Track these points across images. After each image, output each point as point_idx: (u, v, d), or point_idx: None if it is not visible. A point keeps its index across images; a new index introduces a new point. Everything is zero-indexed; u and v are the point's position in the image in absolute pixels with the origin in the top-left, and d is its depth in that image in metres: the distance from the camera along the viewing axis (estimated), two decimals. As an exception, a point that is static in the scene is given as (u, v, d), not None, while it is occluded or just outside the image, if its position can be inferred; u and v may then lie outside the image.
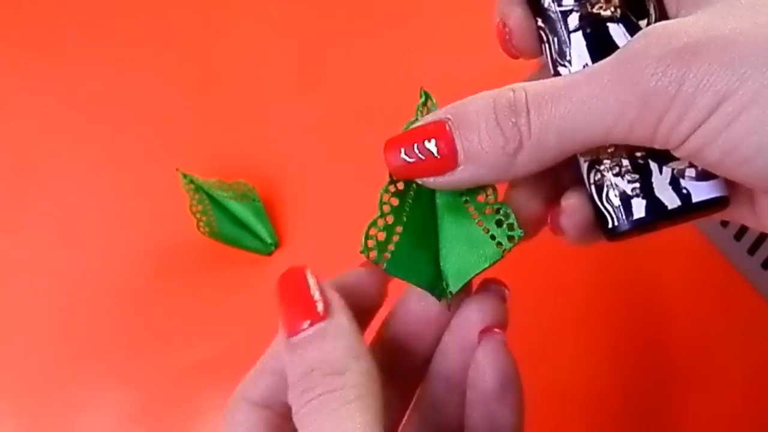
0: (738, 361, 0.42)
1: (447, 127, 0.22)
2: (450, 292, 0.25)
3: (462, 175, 0.22)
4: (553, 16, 0.24)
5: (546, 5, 0.24)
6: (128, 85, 0.57)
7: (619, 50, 0.21)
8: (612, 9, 0.23)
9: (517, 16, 0.25)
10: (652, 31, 0.21)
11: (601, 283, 0.45)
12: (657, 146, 0.21)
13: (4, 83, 0.59)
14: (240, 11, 0.61)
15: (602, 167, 0.24)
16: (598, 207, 0.24)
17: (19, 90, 0.59)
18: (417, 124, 0.23)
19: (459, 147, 0.22)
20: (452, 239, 0.25)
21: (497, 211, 0.24)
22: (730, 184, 0.23)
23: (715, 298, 0.44)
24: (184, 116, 0.55)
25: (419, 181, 0.24)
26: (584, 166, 0.25)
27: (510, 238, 0.24)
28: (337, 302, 0.23)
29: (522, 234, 0.24)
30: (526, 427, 0.25)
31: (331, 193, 0.50)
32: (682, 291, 0.45)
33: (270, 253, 0.48)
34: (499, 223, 0.24)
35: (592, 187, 0.24)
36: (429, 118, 0.23)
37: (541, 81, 0.22)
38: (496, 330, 0.25)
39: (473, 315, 0.25)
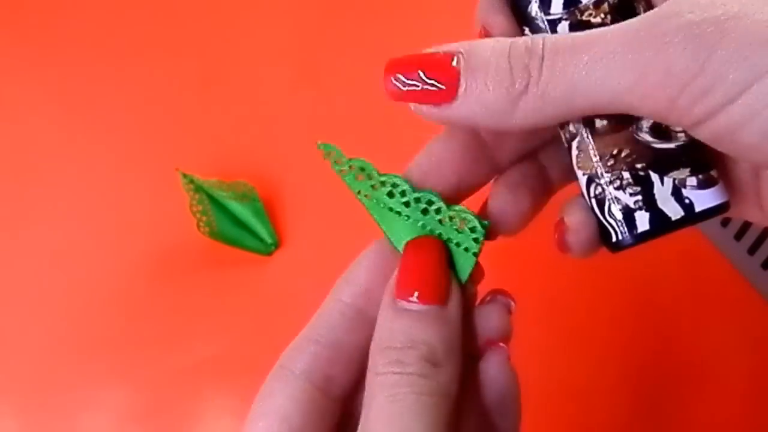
0: (738, 361, 0.42)
1: (455, 60, 0.21)
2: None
3: (458, 110, 0.21)
4: (541, 25, 0.23)
5: (533, 14, 0.23)
6: (128, 85, 0.57)
7: (651, 11, 0.20)
8: (602, 15, 0.23)
9: (502, 26, 0.24)
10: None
11: (600, 283, 0.45)
12: (669, 122, 0.20)
13: (4, 83, 0.59)
14: (240, 11, 0.61)
15: (602, 181, 0.23)
16: (600, 221, 0.24)
17: (19, 90, 0.59)
18: (427, 50, 0.22)
19: (463, 80, 0.21)
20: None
21: (451, 219, 0.24)
22: (732, 180, 0.23)
23: (715, 298, 0.44)
24: (184, 116, 0.55)
25: (412, 107, 0.22)
26: (583, 180, 0.24)
27: (475, 240, 0.23)
28: (455, 293, 0.23)
29: (486, 225, 0.23)
30: (529, 427, 0.25)
31: (331, 193, 0.50)
32: (682, 291, 0.45)
33: (270, 253, 0.48)
34: (459, 230, 0.24)
35: (593, 200, 0.24)
36: (441, 47, 0.22)
37: (562, 34, 0.21)
38: (500, 344, 0.25)
39: (478, 324, 0.25)
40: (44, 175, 0.54)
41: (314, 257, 0.47)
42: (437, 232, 0.24)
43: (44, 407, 0.44)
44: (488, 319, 0.25)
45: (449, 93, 0.21)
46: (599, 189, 0.23)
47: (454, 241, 0.24)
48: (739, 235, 0.42)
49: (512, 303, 0.26)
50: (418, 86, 0.21)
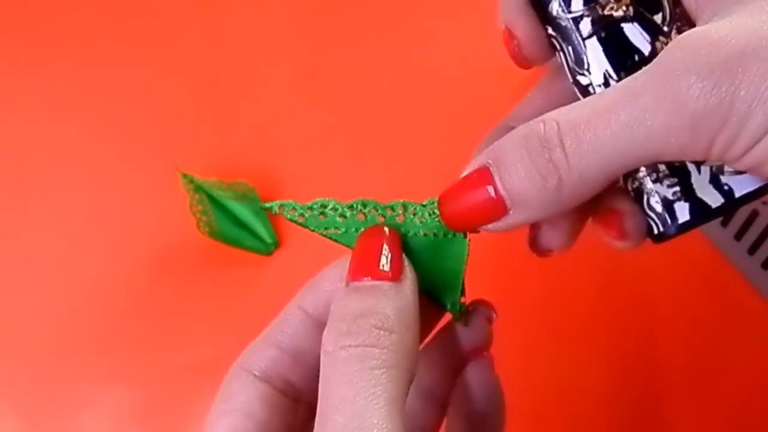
0: (738, 361, 0.42)
1: (489, 174, 0.21)
2: (457, 307, 0.25)
3: (515, 218, 0.21)
4: (564, 23, 0.23)
5: (555, 13, 0.23)
6: (128, 85, 0.57)
7: (654, 62, 0.19)
8: (624, 8, 0.22)
9: (525, 26, 0.24)
10: (687, 40, 0.19)
11: (600, 283, 0.45)
12: (711, 162, 0.20)
13: (4, 83, 0.59)
14: (240, 11, 0.61)
15: (639, 174, 0.23)
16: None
17: (19, 90, 0.59)
18: (463, 173, 0.22)
19: (503, 192, 0.21)
20: (418, 260, 0.24)
21: (433, 212, 0.24)
22: None
23: (715, 298, 0.44)
24: (184, 116, 0.55)
25: (480, 230, 0.23)
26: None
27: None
28: (409, 272, 0.23)
29: (434, 201, 0.24)
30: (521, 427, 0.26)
31: (331, 193, 0.50)
32: (682, 291, 0.45)
33: (270, 253, 0.48)
34: (422, 221, 0.24)
35: (631, 194, 0.24)
36: (472, 164, 0.22)
37: (572, 106, 0.20)
38: (485, 353, 0.26)
39: (460, 334, 0.26)
40: (44, 175, 0.54)
41: (314, 257, 0.46)
42: (398, 228, 0.24)
43: (44, 407, 0.44)
44: (469, 328, 0.26)
45: (501, 207, 0.21)
46: (636, 183, 0.23)
47: (421, 232, 0.24)
48: (739, 235, 0.42)
49: (493, 314, 0.26)
50: (472, 208, 0.22)
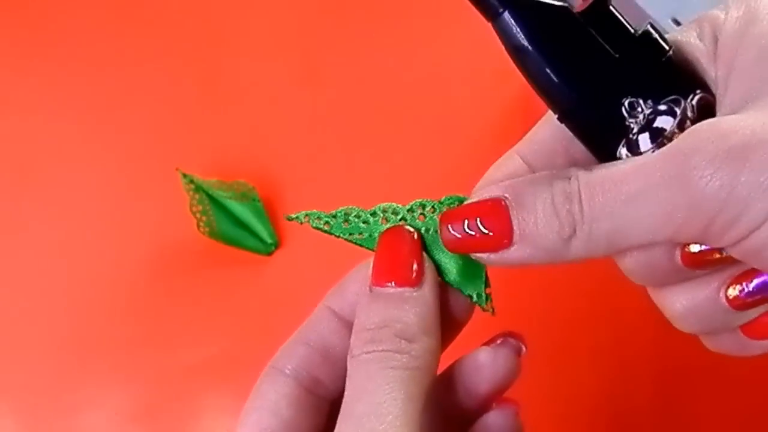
0: (737, 361, 0.42)
1: (503, 205, 0.22)
2: (483, 297, 0.25)
3: (516, 254, 0.22)
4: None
5: (618, 155, 0.22)
6: (128, 85, 0.57)
7: (669, 145, 0.21)
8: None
9: None
10: (701, 129, 0.20)
11: (600, 283, 0.45)
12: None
13: (4, 82, 0.59)
14: (240, 11, 0.61)
15: None
16: None
17: (19, 89, 0.59)
18: (472, 199, 0.23)
19: (516, 227, 0.22)
20: (441, 255, 0.25)
21: (433, 211, 0.25)
22: None
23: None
24: (184, 116, 0.55)
25: (473, 257, 0.24)
26: None
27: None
28: (430, 275, 0.24)
29: (462, 198, 0.24)
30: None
31: (331, 193, 0.50)
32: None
33: (270, 253, 0.48)
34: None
35: None
36: (484, 194, 0.23)
37: (594, 168, 0.22)
38: (512, 402, 0.27)
39: (485, 363, 0.26)
40: (44, 175, 0.54)
41: (314, 257, 0.47)
42: (419, 228, 0.25)
43: (44, 407, 0.44)
44: (496, 359, 0.26)
45: (505, 240, 0.22)
46: None
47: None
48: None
49: (523, 347, 0.27)
50: (474, 234, 0.23)
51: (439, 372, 0.26)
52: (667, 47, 0.22)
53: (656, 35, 0.22)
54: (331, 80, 0.56)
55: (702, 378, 0.42)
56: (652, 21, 0.22)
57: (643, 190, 0.20)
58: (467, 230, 0.23)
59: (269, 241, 0.48)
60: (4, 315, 0.48)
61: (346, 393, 0.22)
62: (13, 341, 0.47)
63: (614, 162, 0.22)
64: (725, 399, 0.41)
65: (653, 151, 0.21)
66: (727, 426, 0.41)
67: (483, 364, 0.26)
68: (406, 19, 0.58)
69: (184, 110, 0.56)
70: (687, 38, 0.23)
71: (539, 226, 0.22)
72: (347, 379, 0.23)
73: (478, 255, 0.23)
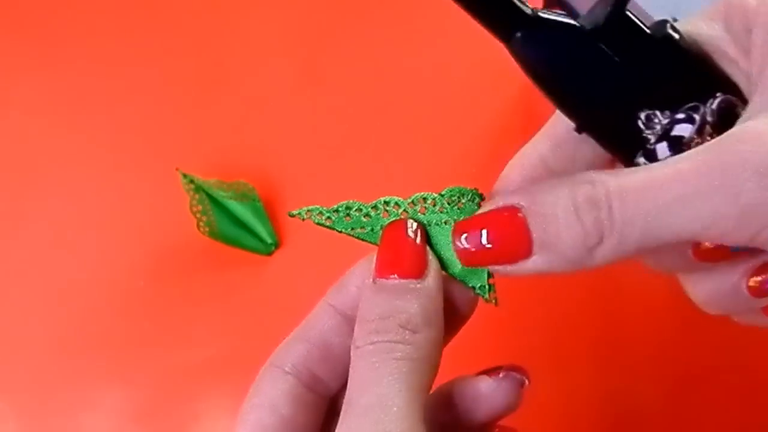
0: (737, 361, 0.42)
1: (520, 215, 0.21)
2: (486, 288, 0.25)
3: (535, 264, 0.21)
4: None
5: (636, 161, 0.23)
6: (128, 85, 0.57)
7: (714, 148, 0.20)
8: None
9: None
10: (744, 134, 0.20)
11: (600, 282, 0.45)
12: (754, 247, 0.21)
13: (4, 82, 0.59)
14: (241, 11, 0.61)
15: None
16: None
17: (18, 89, 0.59)
18: (485, 209, 0.23)
19: (535, 236, 0.21)
20: (444, 248, 0.25)
21: (451, 201, 0.24)
22: None
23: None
24: (184, 116, 0.55)
25: (490, 269, 0.23)
26: None
27: (471, 200, 0.24)
28: (433, 267, 0.24)
29: (475, 191, 0.24)
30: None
31: (331, 193, 0.50)
32: (681, 290, 0.45)
33: (270, 253, 0.48)
34: (461, 209, 0.25)
35: None
36: (498, 202, 0.22)
37: (619, 172, 0.21)
38: (512, 430, 0.27)
39: (485, 394, 0.26)
40: (44, 175, 0.54)
41: (314, 257, 0.47)
42: (421, 221, 0.25)
43: (44, 407, 0.44)
44: (497, 390, 0.26)
45: (524, 250, 0.21)
46: None
47: (443, 221, 0.25)
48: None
49: (526, 381, 0.27)
50: (490, 246, 0.22)
51: (439, 369, 0.25)
52: (686, 48, 0.22)
53: (676, 36, 0.22)
54: (332, 80, 0.56)
55: (702, 378, 0.42)
56: (670, 21, 0.22)
57: (687, 195, 0.19)
58: (483, 242, 0.22)
59: (269, 241, 0.48)
60: (4, 315, 0.48)
61: (349, 385, 0.22)
62: (13, 341, 0.47)
63: (644, 167, 0.21)
64: (725, 399, 0.41)
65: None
66: (727, 426, 0.41)
67: (483, 395, 0.26)
68: (406, 20, 0.58)
69: (184, 110, 0.56)
70: (711, 30, 0.22)
71: (561, 235, 0.21)
72: (350, 370, 0.22)
73: (495, 268, 0.22)
